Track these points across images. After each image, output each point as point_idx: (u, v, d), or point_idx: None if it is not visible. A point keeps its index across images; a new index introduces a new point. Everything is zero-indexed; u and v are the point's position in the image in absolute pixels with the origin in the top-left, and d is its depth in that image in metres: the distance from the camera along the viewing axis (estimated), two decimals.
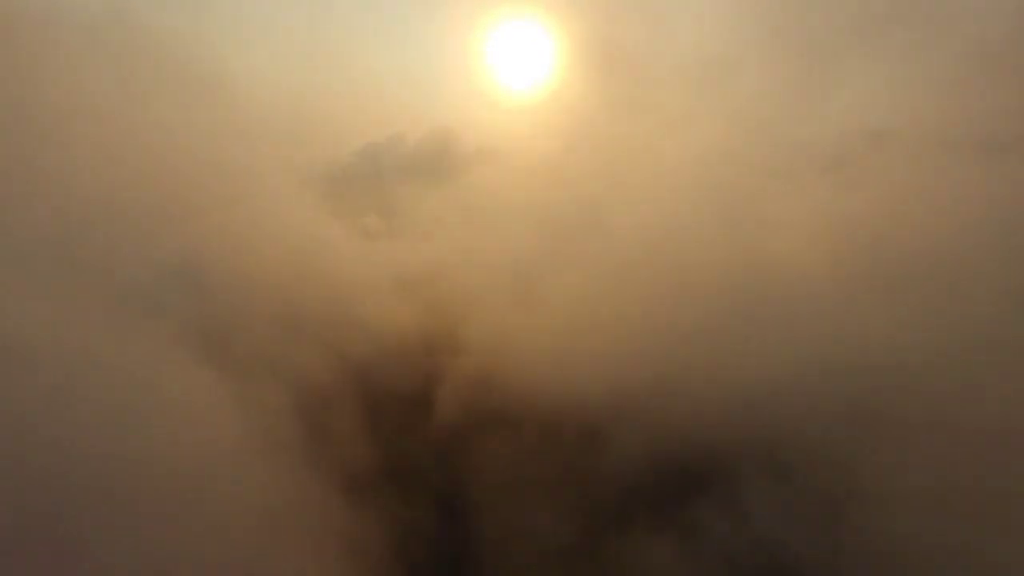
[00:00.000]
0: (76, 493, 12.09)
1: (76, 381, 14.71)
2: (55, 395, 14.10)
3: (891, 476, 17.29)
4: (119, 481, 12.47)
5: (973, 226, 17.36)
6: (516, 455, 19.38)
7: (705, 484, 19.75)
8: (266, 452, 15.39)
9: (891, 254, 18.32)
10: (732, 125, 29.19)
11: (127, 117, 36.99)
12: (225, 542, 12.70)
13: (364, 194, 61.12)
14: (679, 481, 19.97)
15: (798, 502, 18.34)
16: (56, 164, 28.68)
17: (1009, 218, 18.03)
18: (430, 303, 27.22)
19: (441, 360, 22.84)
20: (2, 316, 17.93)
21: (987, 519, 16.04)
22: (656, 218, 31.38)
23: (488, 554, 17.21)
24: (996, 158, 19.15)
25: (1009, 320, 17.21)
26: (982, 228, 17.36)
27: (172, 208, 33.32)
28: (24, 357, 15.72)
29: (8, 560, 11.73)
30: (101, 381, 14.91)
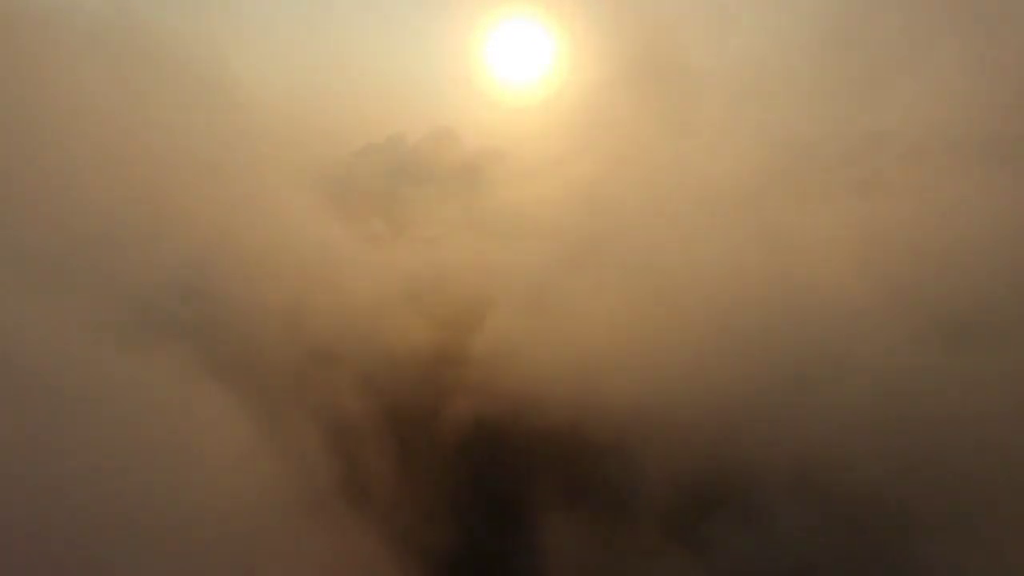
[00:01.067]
0: (92, 546, 11.28)
1: (83, 417, 13.76)
2: (61, 430, 13.18)
3: (925, 501, 16.80)
4: (142, 533, 11.66)
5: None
6: (546, 475, 18.77)
7: (728, 503, 19.18)
8: (303, 497, 14.54)
9: (932, 275, 17.69)
10: (752, 130, 28.43)
11: (127, 118, 36.22)
12: None
13: (370, 198, 60.45)
14: (704, 499, 19.38)
15: (826, 523, 17.83)
16: (56, 168, 27.88)
17: None
18: (447, 317, 26.40)
19: (468, 384, 21.95)
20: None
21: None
22: (677, 223, 30.63)
23: None
24: None
25: None
26: None
27: (175, 214, 32.56)
28: (24, 380, 14.82)
29: None
30: (112, 415, 14.02)
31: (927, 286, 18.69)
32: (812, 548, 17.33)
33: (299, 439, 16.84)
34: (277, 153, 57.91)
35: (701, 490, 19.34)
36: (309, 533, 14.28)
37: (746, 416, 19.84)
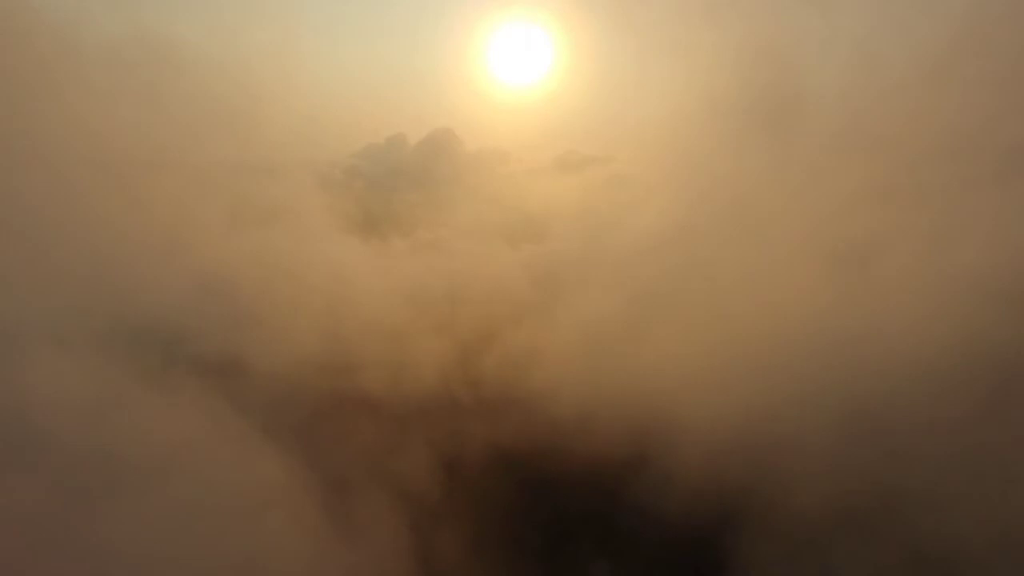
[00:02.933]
0: None
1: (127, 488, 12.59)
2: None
3: (975, 534, 16.37)
4: None
5: None
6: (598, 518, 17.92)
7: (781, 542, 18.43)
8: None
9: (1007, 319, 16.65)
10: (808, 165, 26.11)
11: (132, 120, 35.01)
12: None
13: (377, 203, 59.56)
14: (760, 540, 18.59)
15: (874, 553, 17.38)
16: (65, 181, 26.71)
17: None
18: (487, 348, 25.07)
19: (516, 421, 20.74)
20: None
21: None
22: (691, 227, 29.48)
23: None
24: None
25: None
26: None
27: (186, 229, 31.45)
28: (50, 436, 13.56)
29: None
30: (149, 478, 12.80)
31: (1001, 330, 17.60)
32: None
33: (367, 511, 15.65)
34: (284, 156, 56.84)
35: (754, 530, 18.58)
36: None
37: (800, 449, 19.06)
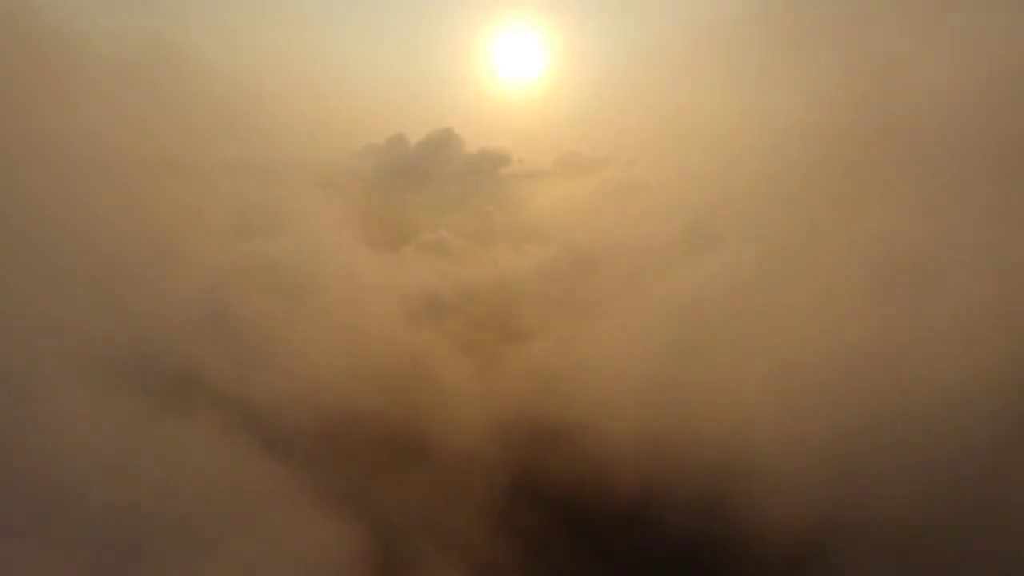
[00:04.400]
0: None
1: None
2: None
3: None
4: None
5: None
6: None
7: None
8: None
9: None
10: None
11: (138, 117, 34.49)
12: None
13: (378, 204, 59.07)
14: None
15: None
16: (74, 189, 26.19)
17: None
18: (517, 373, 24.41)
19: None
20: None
21: None
22: (705, 234, 28.63)
23: None
24: None
25: None
26: None
27: (188, 234, 30.86)
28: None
29: None
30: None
31: None
32: None
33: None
34: (285, 156, 56.29)
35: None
36: None
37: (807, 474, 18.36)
